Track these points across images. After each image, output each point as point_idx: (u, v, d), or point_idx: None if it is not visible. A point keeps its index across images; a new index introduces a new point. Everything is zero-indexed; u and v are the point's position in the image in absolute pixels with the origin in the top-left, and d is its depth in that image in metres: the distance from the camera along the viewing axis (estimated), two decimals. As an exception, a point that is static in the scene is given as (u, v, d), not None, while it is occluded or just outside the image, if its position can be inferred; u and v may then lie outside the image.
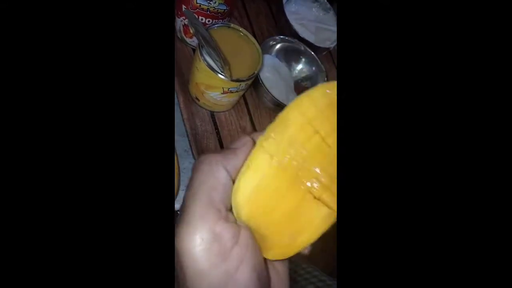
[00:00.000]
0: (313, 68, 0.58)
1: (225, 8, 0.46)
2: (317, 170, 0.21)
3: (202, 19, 0.47)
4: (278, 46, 0.57)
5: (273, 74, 0.54)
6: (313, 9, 0.65)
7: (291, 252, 0.22)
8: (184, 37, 0.51)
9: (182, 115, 0.48)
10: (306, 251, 0.23)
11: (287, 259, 0.25)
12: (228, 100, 0.47)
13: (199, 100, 0.48)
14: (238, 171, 0.22)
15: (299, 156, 0.21)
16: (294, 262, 0.49)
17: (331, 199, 0.21)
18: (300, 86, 0.58)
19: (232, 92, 0.44)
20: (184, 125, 0.47)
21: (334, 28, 0.63)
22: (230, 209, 0.21)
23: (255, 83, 0.50)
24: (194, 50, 0.52)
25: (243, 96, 0.54)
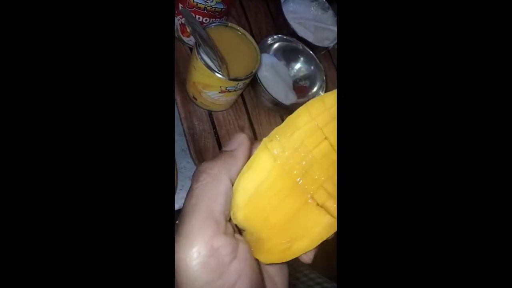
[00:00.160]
0: (312, 67, 0.58)
1: (222, 7, 0.46)
2: (323, 177, 0.21)
3: (199, 18, 0.46)
4: (276, 45, 0.56)
5: (271, 73, 0.54)
6: (312, 8, 0.65)
7: (287, 257, 0.21)
8: (181, 36, 0.51)
9: (179, 114, 0.47)
10: (308, 260, 0.22)
11: (286, 268, 0.24)
12: (225, 99, 0.47)
13: (196, 100, 0.48)
14: (239, 173, 0.21)
15: (304, 161, 0.21)
16: (292, 265, 0.49)
17: (335, 208, 0.20)
18: (299, 85, 0.58)
19: (230, 91, 0.44)
20: (182, 124, 0.47)
21: (333, 27, 0.63)
22: (230, 219, 0.21)
23: (253, 82, 0.50)
24: (191, 49, 0.52)
25: (241, 95, 0.54)
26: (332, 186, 0.21)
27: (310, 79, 0.58)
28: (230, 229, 0.20)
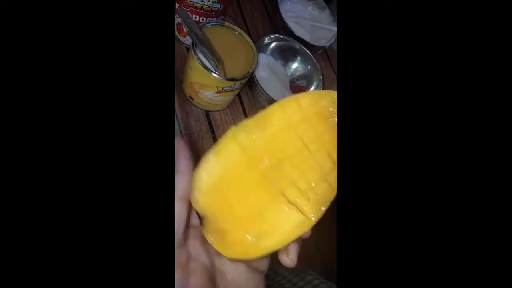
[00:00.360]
0: (309, 67, 0.58)
1: (219, 6, 0.46)
2: (295, 174, 0.20)
3: (195, 18, 0.46)
4: (273, 44, 0.56)
5: (268, 73, 0.54)
6: (309, 8, 0.64)
7: (254, 253, 0.21)
8: (178, 36, 0.51)
9: (176, 114, 0.47)
10: (290, 263, 0.21)
11: (251, 266, 0.23)
12: (222, 99, 0.46)
13: (193, 100, 0.47)
14: (190, 186, 0.20)
15: (275, 156, 0.21)
16: (289, 270, 0.48)
17: (307, 206, 0.20)
18: (296, 85, 0.58)
19: (227, 91, 0.44)
20: (179, 124, 0.47)
21: (330, 27, 0.63)
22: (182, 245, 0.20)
23: (250, 82, 0.50)
24: (188, 49, 0.52)
25: (238, 95, 0.53)
26: (304, 184, 0.20)
27: (307, 78, 0.58)
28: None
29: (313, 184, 0.20)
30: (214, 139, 0.49)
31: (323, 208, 0.21)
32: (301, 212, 0.20)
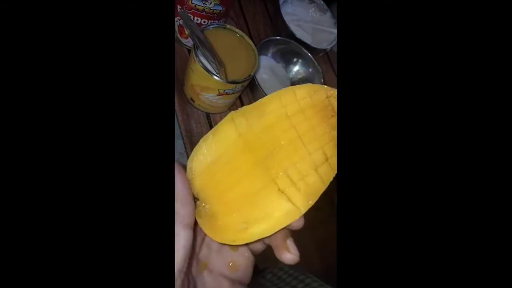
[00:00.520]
0: (310, 70, 0.58)
1: (221, 9, 0.46)
2: (287, 163, 0.21)
3: (197, 20, 0.46)
4: (274, 47, 0.56)
5: (270, 75, 0.54)
6: (310, 10, 0.64)
7: (241, 239, 0.21)
8: (180, 38, 0.51)
9: (177, 116, 0.47)
10: (294, 257, 0.21)
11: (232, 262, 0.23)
12: (224, 101, 0.46)
13: (194, 102, 0.47)
14: (192, 214, 0.20)
15: (270, 143, 0.21)
16: (288, 272, 0.48)
17: (297, 196, 0.20)
18: (297, 88, 0.58)
19: (228, 94, 0.44)
20: (179, 127, 0.47)
21: (331, 30, 0.63)
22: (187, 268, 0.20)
23: (252, 84, 0.50)
24: (189, 51, 0.52)
25: (239, 97, 0.53)
26: (295, 174, 0.20)
27: (308, 81, 0.58)
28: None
29: (305, 174, 0.21)
30: (215, 141, 0.49)
31: (310, 202, 0.21)
32: (291, 201, 0.20)
